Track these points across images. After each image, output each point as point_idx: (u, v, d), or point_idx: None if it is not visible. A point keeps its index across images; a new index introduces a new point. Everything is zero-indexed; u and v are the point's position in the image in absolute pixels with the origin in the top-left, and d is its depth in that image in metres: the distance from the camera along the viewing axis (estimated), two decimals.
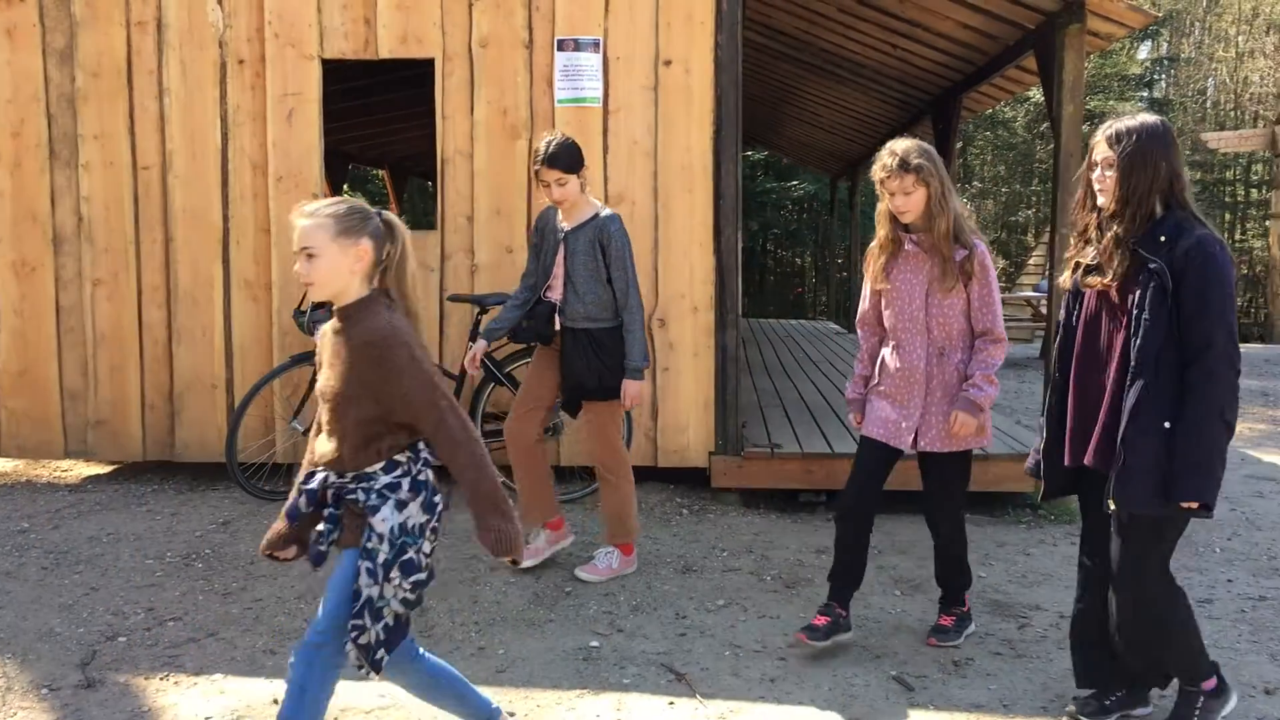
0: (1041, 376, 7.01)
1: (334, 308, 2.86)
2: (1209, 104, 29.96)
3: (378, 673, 2.84)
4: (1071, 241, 3.36)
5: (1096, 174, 3.18)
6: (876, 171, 3.92)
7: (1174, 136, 3.13)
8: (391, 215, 2.91)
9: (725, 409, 6.16)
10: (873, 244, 4.10)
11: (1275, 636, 4.32)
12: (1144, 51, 29.48)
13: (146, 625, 4.39)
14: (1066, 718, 3.53)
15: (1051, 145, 6.62)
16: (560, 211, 4.78)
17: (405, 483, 2.84)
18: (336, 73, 7.13)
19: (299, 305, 6.02)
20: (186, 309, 6.35)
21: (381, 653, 2.82)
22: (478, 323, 5.87)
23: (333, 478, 2.88)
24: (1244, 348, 14.09)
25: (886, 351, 4.12)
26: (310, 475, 2.93)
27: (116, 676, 3.99)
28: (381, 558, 2.77)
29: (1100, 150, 3.15)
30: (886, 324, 4.11)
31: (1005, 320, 4.39)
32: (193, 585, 4.82)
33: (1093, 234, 3.24)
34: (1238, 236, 25.71)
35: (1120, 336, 3.13)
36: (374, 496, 2.82)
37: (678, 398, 6.21)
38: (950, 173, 10.56)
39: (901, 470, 4.33)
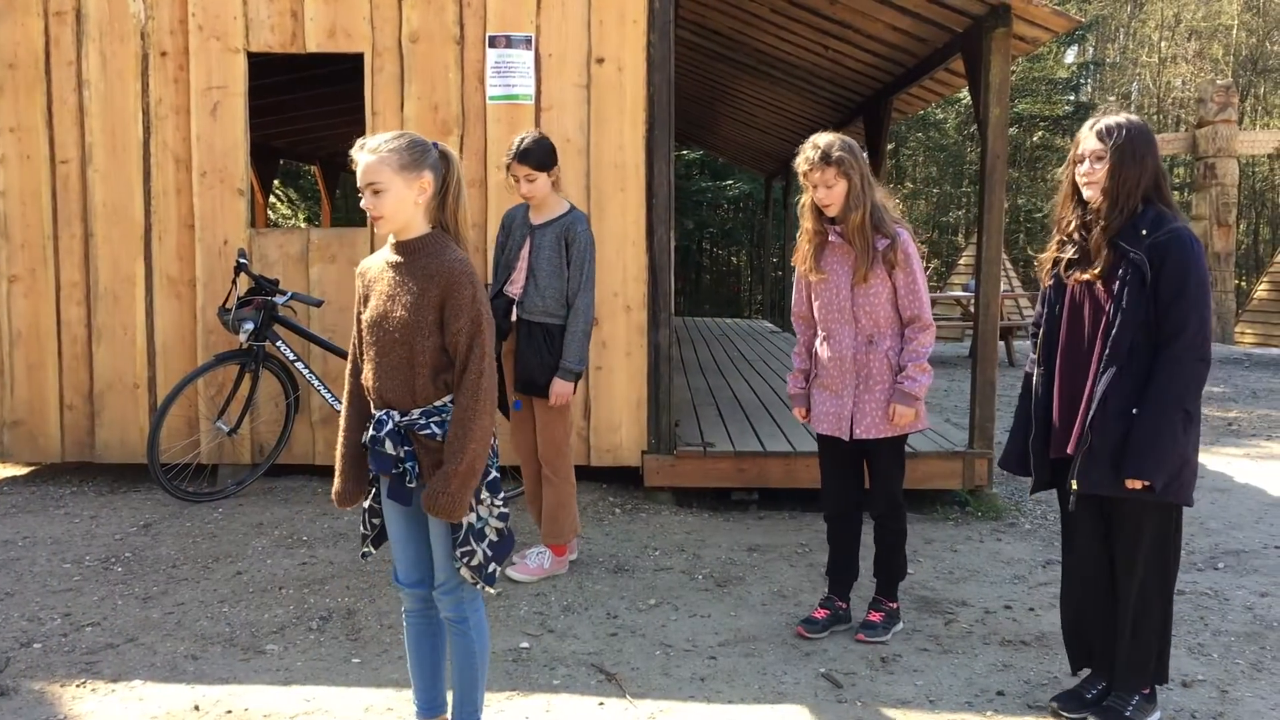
0: (970, 375, 7.12)
1: (395, 240, 2.90)
2: (1133, 108, 30.66)
3: (491, 586, 2.96)
4: (1053, 238, 3.43)
5: (1084, 168, 3.24)
6: (799, 164, 3.99)
7: (1153, 135, 3.24)
8: (446, 147, 2.95)
9: (658, 408, 6.16)
10: (800, 237, 4.15)
11: (1192, 630, 4.42)
12: (1070, 56, 30.11)
13: (63, 631, 4.27)
14: (1049, 713, 3.57)
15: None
16: (530, 207, 4.79)
17: (449, 426, 2.87)
18: (265, 67, 7.00)
19: (224, 302, 5.90)
20: (107, 306, 6.20)
21: (493, 566, 2.96)
22: None
23: (398, 416, 2.89)
24: None
25: (819, 343, 4.18)
26: (379, 421, 2.92)
27: (31, 684, 3.88)
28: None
29: (1089, 143, 3.22)
30: (816, 315, 4.17)
31: (936, 319, 4.47)
32: (112, 590, 4.70)
33: (1075, 230, 3.30)
34: None
35: (1102, 327, 3.21)
36: (449, 429, 2.85)
37: (610, 396, 6.19)
38: (881, 173, 10.72)
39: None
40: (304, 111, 12.28)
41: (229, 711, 3.68)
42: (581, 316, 4.72)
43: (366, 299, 2.98)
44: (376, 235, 6.12)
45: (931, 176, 28.32)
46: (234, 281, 5.80)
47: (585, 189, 6.08)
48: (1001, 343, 13.86)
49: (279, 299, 5.82)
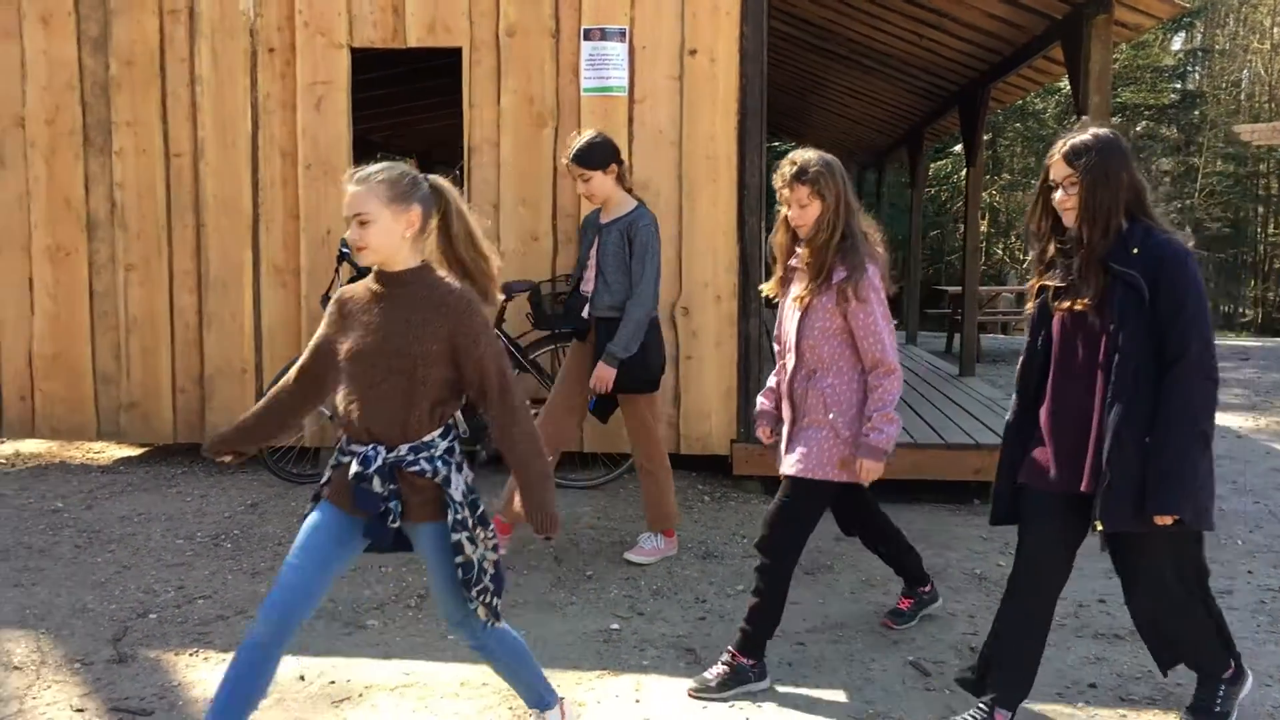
0: None
1: (381, 272, 2.85)
2: (1243, 96, 29.64)
3: (499, 620, 2.98)
4: (1033, 266, 3.23)
5: (1058, 195, 3.07)
6: (776, 180, 3.80)
7: (1128, 146, 3.07)
8: (439, 180, 2.90)
9: (747, 397, 6.20)
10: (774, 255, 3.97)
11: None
12: (1177, 43, 29.20)
13: (176, 603, 4.48)
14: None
15: None
16: (602, 209, 4.88)
17: (456, 445, 2.89)
18: (366, 61, 7.19)
19: (327, 290, 6.10)
20: (217, 294, 6.45)
21: (495, 600, 2.95)
22: (502, 309, 5.93)
23: (384, 452, 2.81)
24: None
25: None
26: (365, 457, 2.82)
27: (147, 652, 4.09)
28: (470, 522, 2.84)
29: (1059, 169, 3.06)
30: (778, 334, 3.98)
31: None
32: (222, 565, 4.91)
33: (1056, 256, 3.14)
34: (1270, 230, 25.44)
35: (1101, 355, 3.03)
36: (439, 465, 2.82)
37: (700, 385, 6.25)
38: (977, 164, 10.55)
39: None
40: (403, 105, 12.55)
41: (332, 682, 3.83)
42: (639, 305, 4.74)
43: (344, 330, 2.89)
44: None
45: (1030, 167, 27.73)
46: (336, 270, 5.98)
47: (677, 180, 6.14)
48: None
49: None
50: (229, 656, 4.03)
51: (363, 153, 15.07)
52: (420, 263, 2.85)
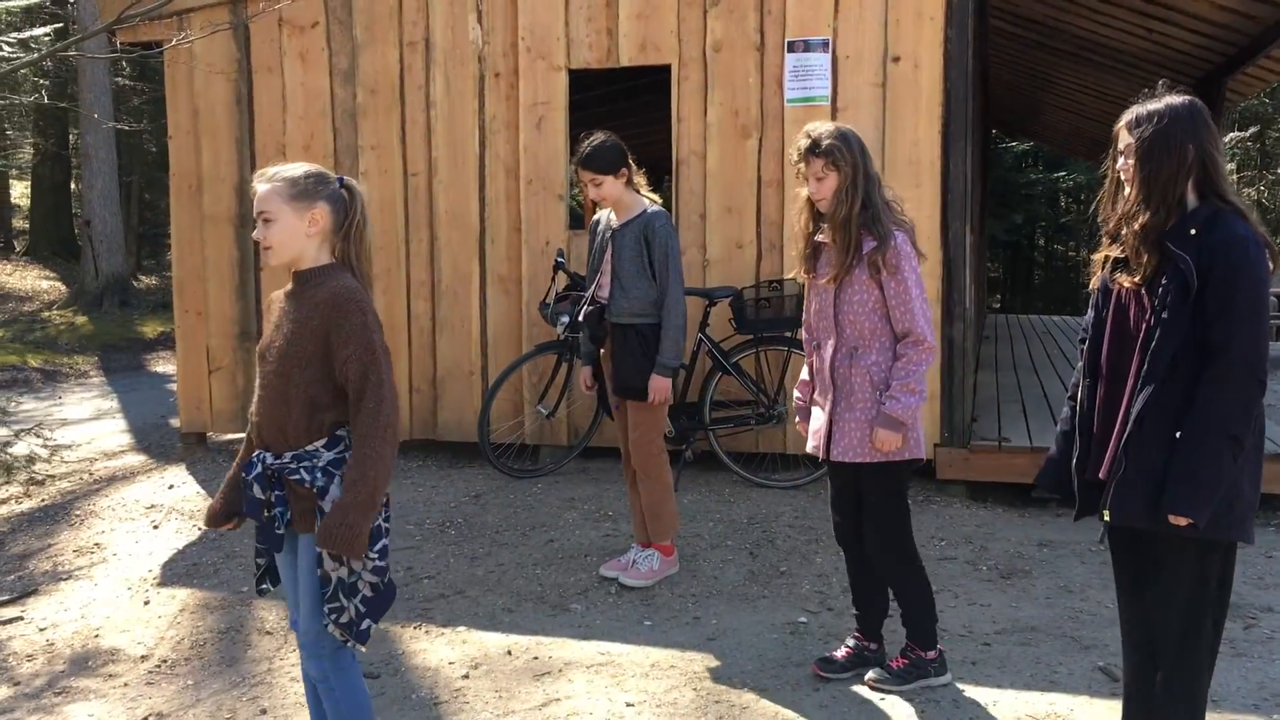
0: None
1: (292, 271, 2.84)
2: None
3: (363, 644, 2.82)
4: (1103, 239, 3.04)
5: (1120, 164, 2.89)
6: (791, 154, 3.73)
7: (1207, 118, 2.82)
8: (352, 181, 2.88)
9: (951, 401, 6.19)
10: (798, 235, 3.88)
11: None
12: None
13: (405, 581, 4.94)
14: None
15: None
16: (613, 212, 4.80)
17: (346, 455, 2.78)
18: (582, 81, 7.58)
19: (544, 298, 6.50)
20: (448, 302, 6.98)
21: (366, 623, 2.81)
22: (706, 314, 6.17)
23: (270, 459, 2.80)
24: None
25: (812, 352, 3.90)
26: (250, 464, 2.85)
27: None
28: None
29: (1123, 137, 2.86)
30: (809, 321, 3.90)
31: None
32: (446, 549, 5.36)
33: (1118, 227, 2.94)
34: None
35: (1141, 339, 2.84)
36: (319, 476, 2.76)
37: None
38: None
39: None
40: (621, 121, 13.02)
41: (536, 658, 4.17)
42: (673, 312, 4.65)
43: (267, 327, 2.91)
44: (680, 235, 6.53)
45: None
46: (553, 279, 6.37)
47: None
48: None
49: None
50: (447, 630, 4.46)
51: None
52: (329, 262, 2.83)
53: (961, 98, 6.07)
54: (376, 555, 2.79)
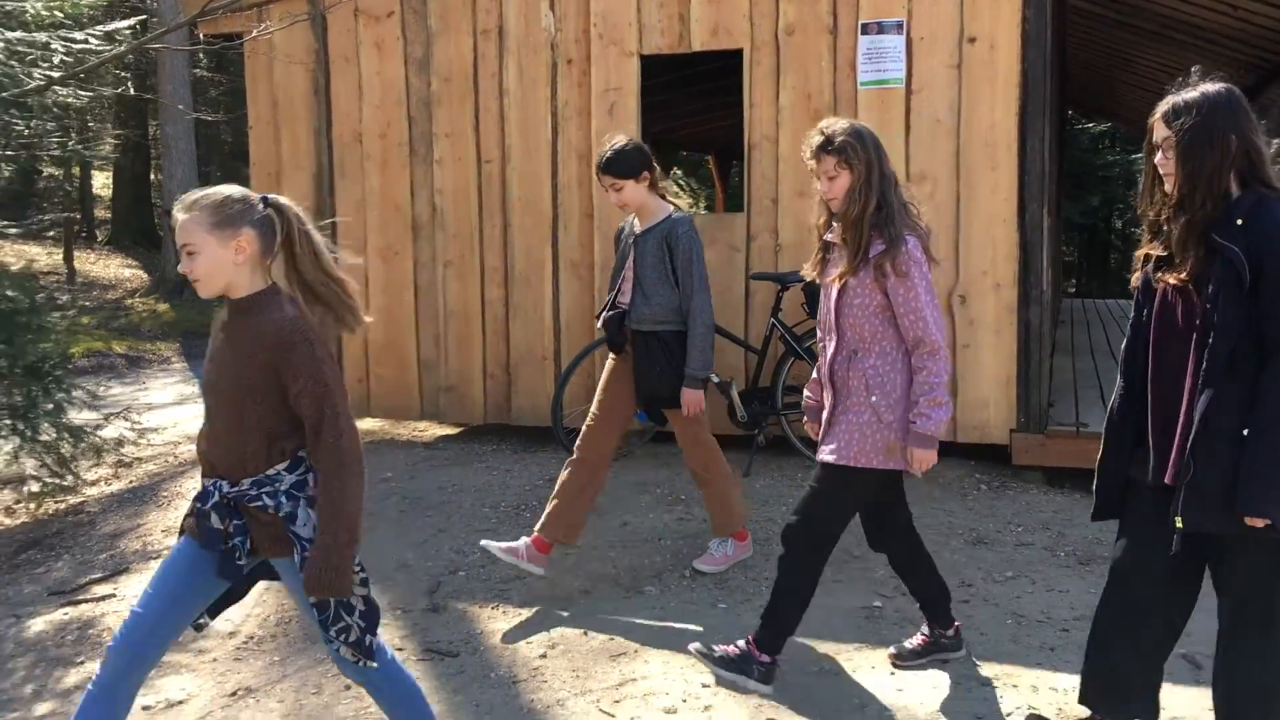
0: None
1: (228, 299, 2.74)
2: None
3: (372, 659, 2.82)
4: (1143, 235, 2.94)
5: (1158, 157, 2.78)
6: (803, 152, 3.61)
7: (1244, 104, 2.72)
8: (281, 200, 2.77)
9: (1028, 386, 6.11)
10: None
11: None
12: None
13: (481, 563, 5.02)
14: None
15: None
16: (636, 217, 4.73)
17: (311, 478, 2.73)
18: (654, 67, 7.59)
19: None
20: (521, 288, 7.05)
21: (369, 638, 2.80)
22: (779, 299, 6.16)
23: (227, 488, 2.74)
24: None
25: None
26: (205, 494, 2.77)
27: (456, 604, 4.64)
28: None
29: (1159, 130, 2.76)
30: (820, 320, 3.80)
31: None
32: (521, 532, 5.40)
33: (1162, 223, 2.83)
34: None
35: (1196, 336, 2.73)
36: (284, 500, 2.71)
37: (978, 374, 6.22)
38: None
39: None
40: (694, 106, 13.01)
41: (611, 639, 4.22)
42: (699, 320, 4.55)
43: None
44: (752, 220, 6.53)
45: None
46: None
47: (954, 169, 6.14)
48: None
49: None
50: (524, 611, 4.53)
51: (667, 152, 15.79)
52: (265, 287, 2.74)
53: (1039, 78, 5.98)
54: (359, 568, 2.75)
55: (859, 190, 3.46)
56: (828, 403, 3.66)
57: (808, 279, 3.81)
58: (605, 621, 4.38)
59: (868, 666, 3.89)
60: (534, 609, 4.56)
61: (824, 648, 4.04)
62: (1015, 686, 3.70)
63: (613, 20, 6.68)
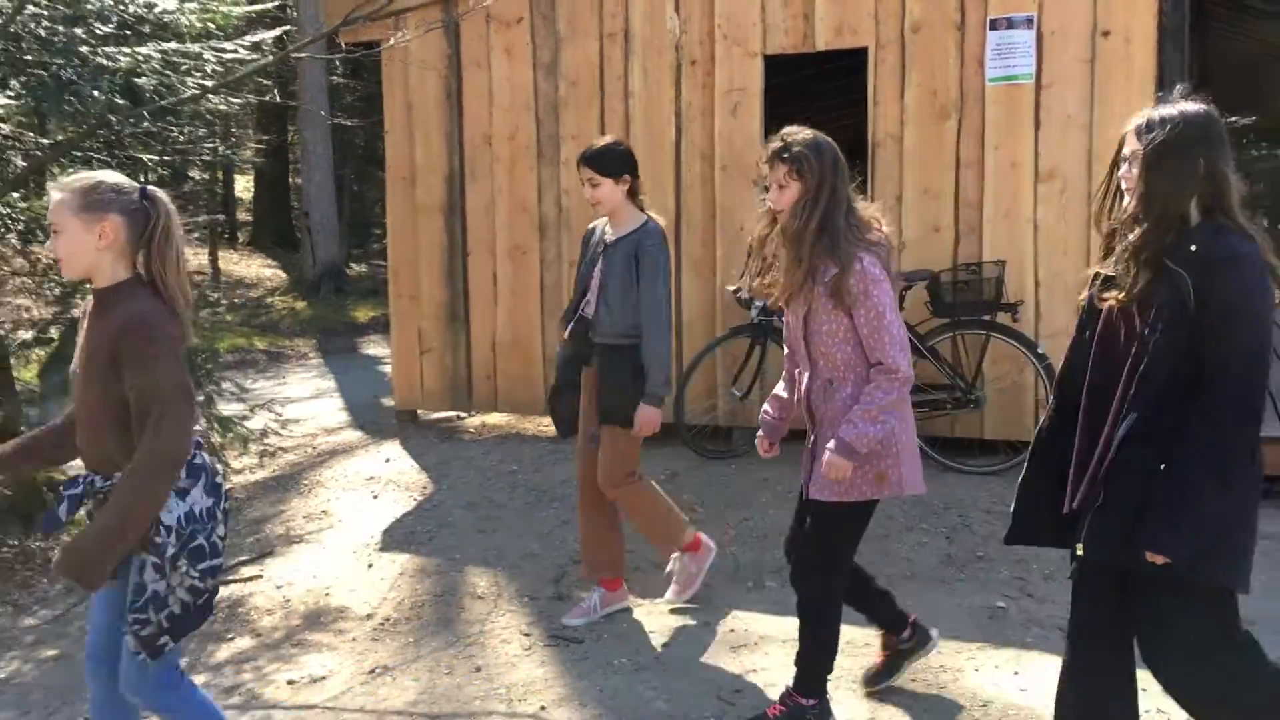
0: None
1: (92, 290, 2.74)
2: None
3: (155, 659, 2.73)
4: (1099, 251, 2.80)
5: (1123, 170, 2.67)
6: (761, 156, 3.48)
7: (1221, 130, 2.59)
8: (156, 191, 2.76)
9: None
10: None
11: None
12: None
13: None
14: None
15: None
16: (609, 223, 4.53)
17: (181, 471, 2.70)
18: (775, 67, 7.62)
19: (736, 286, 6.60)
20: None
21: (165, 639, 2.72)
22: (901, 298, 6.13)
23: (99, 481, 2.74)
24: None
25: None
26: (74, 480, 2.78)
27: (580, 593, 4.76)
28: (170, 551, 2.67)
29: (1129, 143, 2.65)
30: (787, 340, 3.63)
31: None
32: None
33: (1117, 242, 2.70)
34: None
35: (1131, 362, 2.62)
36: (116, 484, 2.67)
37: None
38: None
39: None
40: (811, 105, 12.95)
41: (732, 630, 4.29)
42: (656, 333, 4.31)
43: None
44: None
45: None
46: (746, 264, 6.45)
47: (1086, 164, 6.03)
48: None
49: None
50: (646, 602, 4.63)
51: None
52: (125, 279, 2.72)
53: (1177, 73, 5.82)
54: (197, 575, 2.73)
55: (803, 205, 3.32)
56: (809, 430, 3.52)
57: (734, 291, 3.53)
58: (726, 614, 4.46)
59: (991, 666, 3.88)
60: (656, 600, 4.66)
61: (948, 647, 4.03)
62: (1144, 690, 3.64)
63: (737, 21, 6.74)
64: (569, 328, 4.57)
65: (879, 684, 3.76)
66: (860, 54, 6.61)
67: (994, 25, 6.18)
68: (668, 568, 4.73)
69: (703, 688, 3.86)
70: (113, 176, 2.76)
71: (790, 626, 4.22)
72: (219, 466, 2.86)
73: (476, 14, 7.11)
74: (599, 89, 7.15)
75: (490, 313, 7.58)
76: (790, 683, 3.58)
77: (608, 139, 4.57)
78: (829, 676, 3.57)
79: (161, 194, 2.77)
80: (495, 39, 7.37)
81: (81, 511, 2.81)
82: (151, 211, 2.72)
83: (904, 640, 3.75)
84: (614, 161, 4.36)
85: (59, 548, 2.75)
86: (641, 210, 4.48)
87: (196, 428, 2.77)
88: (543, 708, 3.81)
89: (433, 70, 7.51)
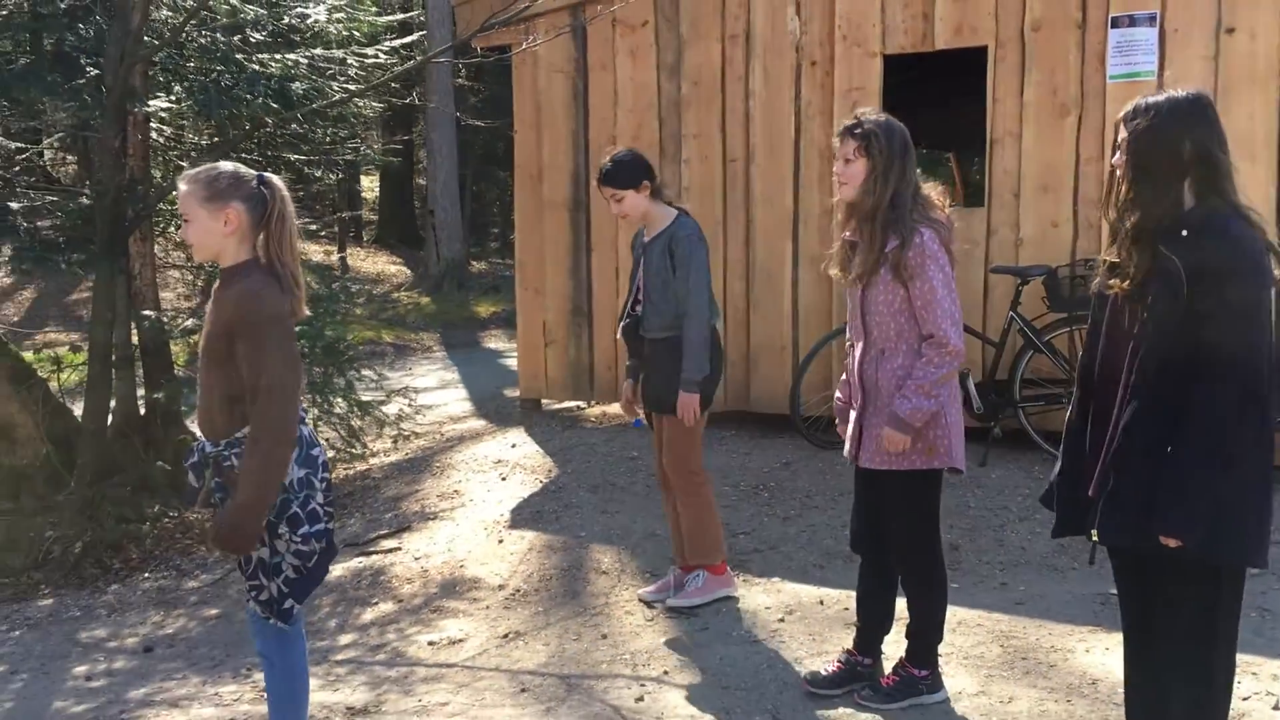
0: None
1: (219, 270, 2.97)
2: None
3: (285, 622, 2.92)
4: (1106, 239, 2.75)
5: (1116, 158, 2.71)
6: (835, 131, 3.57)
7: (1210, 113, 2.63)
8: (272, 178, 2.95)
9: None
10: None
11: None
12: None
13: (725, 536, 5.35)
14: None
15: None
16: (645, 225, 4.68)
17: (295, 435, 2.85)
18: (894, 66, 7.73)
19: None
20: (762, 281, 7.35)
21: (289, 602, 2.92)
22: (1018, 293, 6.21)
23: (209, 447, 2.93)
24: None
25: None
26: (190, 449, 3.02)
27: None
28: (266, 520, 2.83)
29: (1120, 131, 2.70)
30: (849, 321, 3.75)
31: None
32: (759, 509, 5.74)
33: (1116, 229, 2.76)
34: None
35: (1131, 347, 2.67)
36: (242, 461, 2.83)
37: None
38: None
39: None
40: (935, 103, 12.93)
41: (846, 609, 4.47)
42: (695, 323, 4.44)
43: None
44: (992, 214, 6.59)
45: None
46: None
47: None
48: None
49: None
50: (762, 580, 4.84)
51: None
52: (246, 259, 2.91)
53: None
54: (300, 539, 2.88)
55: (873, 182, 3.44)
56: (857, 403, 3.66)
57: (833, 275, 3.77)
58: (839, 592, 4.64)
59: (1101, 648, 3.99)
60: (771, 579, 4.87)
61: (1058, 629, 4.16)
62: (1254, 674, 3.72)
63: (856, 21, 6.89)
64: (621, 325, 4.78)
65: (820, 688, 3.81)
66: (975, 53, 6.69)
67: (1115, 23, 6.20)
68: (667, 577, 4.80)
69: (817, 659, 4.05)
70: (229, 166, 2.97)
71: (901, 605, 4.39)
72: (321, 441, 3.10)
73: (603, 18, 7.40)
74: (720, 89, 7.37)
75: (612, 306, 7.85)
76: (903, 654, 3.75)
77: (614, 152, 4.66)
78: (939, 649, 3.72)
79: (277, 180, 2.98)
80: (620, 42, 7.64)
81: (192, 476, 3.03)
82: (269, 196, 2.92)
83: (863, 664, 3.83)
84: (627, 173, 4.51)
85: (211, 525, 3.02)
86: (670, 204, 4.66)
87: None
88: (665, 673, 4.05)
89: (560, 72, 7.82)
